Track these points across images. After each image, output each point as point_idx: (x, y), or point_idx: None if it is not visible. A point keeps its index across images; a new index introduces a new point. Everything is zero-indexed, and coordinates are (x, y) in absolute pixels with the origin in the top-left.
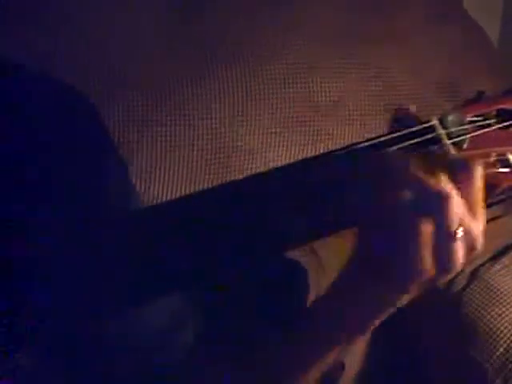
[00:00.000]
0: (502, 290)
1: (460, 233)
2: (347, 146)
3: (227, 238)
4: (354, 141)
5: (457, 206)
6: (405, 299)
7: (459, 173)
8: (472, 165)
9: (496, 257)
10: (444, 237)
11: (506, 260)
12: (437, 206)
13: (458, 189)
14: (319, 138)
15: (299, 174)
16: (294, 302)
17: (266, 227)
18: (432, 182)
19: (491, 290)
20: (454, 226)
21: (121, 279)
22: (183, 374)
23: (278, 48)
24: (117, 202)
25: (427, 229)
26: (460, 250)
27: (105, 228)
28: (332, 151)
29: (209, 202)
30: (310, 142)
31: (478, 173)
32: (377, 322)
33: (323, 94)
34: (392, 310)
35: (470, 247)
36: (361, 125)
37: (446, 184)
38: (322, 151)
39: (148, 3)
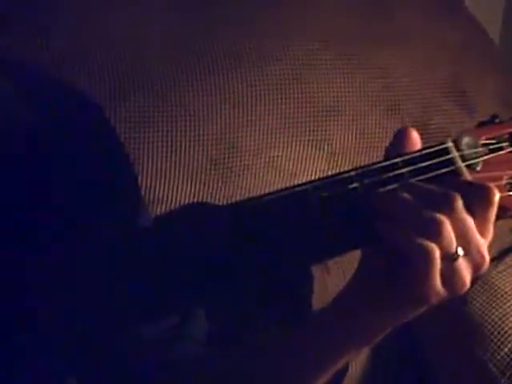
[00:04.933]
0: (506, 290)
1: (460, 252)
2: (358, 168)
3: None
4: (356, 143)
5: (450, 229)
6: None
7: (477, 197)
8: (490, 191)
9: (500, 257)
10: (444, 259)
11: (509, 260)
12: (430, 231)
13: (472, 212)
14: (323, 138)
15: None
16: (300, 303)
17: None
18: (423, 210)
19: (495, 291)
20: (451, 247)
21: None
22: (191, 371)
23: (279, 49)
24: (123, 205)
25: (428, 254)
26: (464, 269)
27: (112, 231)
28: (341, 173)
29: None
30: (313, 142)
31: (496, 199)
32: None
33: (325, 95)
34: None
35: (477, 265)
36: (362, 126)
37: (439, 208)
38: (325, 152)
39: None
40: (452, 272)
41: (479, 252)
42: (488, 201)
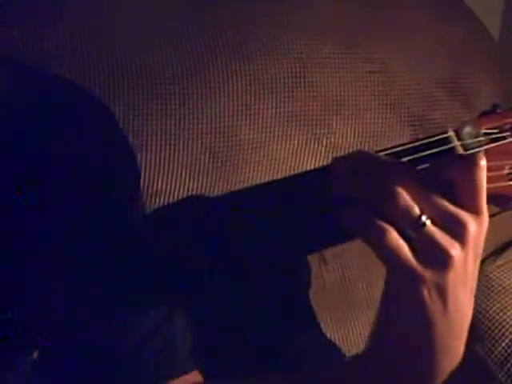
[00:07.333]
0: (504, 284)
1: (425, 220)
2: None
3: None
4: (356, 137)
5: (406, 197)
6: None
7: (465, 164)
8: (477, 155)
9: (498, 251)
10: (408, 228)
11: (508, 255)
12: (381, 201)
13: (461, 183)
14: (322, 132)
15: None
16: (296, 294)
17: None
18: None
19: (493, 285)
20: (411, 215)
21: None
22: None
23: (280, 43)
24: (121, 197)
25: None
26: (439, 237)
27: (108, 225)
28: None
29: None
30: (313, 136)
31: (482, 162)
32: None
33: (326, 89)
34: None
35: (455, 233)
36: (362, 121)
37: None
38: (324, 146)
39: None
40: (425, 241)
41: (453, 219)
42: (475, 164)
